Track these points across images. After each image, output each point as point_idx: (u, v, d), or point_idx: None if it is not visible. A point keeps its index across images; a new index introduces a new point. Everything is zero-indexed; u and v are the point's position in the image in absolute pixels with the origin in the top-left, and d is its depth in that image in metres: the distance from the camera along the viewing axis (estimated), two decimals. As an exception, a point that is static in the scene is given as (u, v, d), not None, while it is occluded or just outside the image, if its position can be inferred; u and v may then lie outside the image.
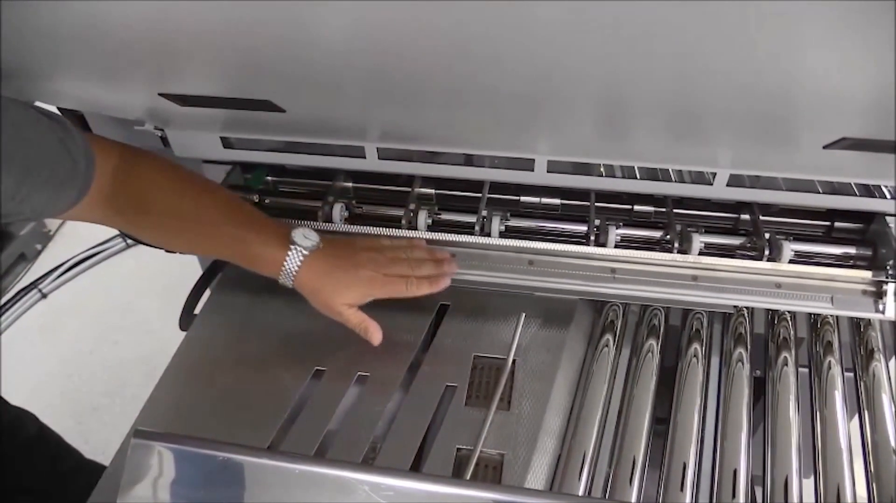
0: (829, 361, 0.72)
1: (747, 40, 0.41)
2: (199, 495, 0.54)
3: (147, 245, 0.75)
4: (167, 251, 0.76)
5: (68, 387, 1.59)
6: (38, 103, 0.82)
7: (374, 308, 0.70)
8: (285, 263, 0.65)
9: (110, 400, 1.57)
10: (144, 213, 0.65)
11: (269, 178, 0.89)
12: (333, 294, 0.67)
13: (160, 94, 0.64)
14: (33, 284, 1.83)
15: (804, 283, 0.72)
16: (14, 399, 0.98)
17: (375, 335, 0.69)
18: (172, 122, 0.77)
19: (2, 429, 0.93)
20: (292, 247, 0.66)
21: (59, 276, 1.85)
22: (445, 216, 0.80)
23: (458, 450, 0.63)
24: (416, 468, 0.62)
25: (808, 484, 0.63)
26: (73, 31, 0.51)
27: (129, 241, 1.86)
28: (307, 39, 0.49)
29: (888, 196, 0.71)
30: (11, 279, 1.91)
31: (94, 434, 1.47)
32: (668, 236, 0.76)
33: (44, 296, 1.84)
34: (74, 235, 1.99)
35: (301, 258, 0.66)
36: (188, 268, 1.02)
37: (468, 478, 0.60)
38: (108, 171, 0.61)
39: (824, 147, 0.58)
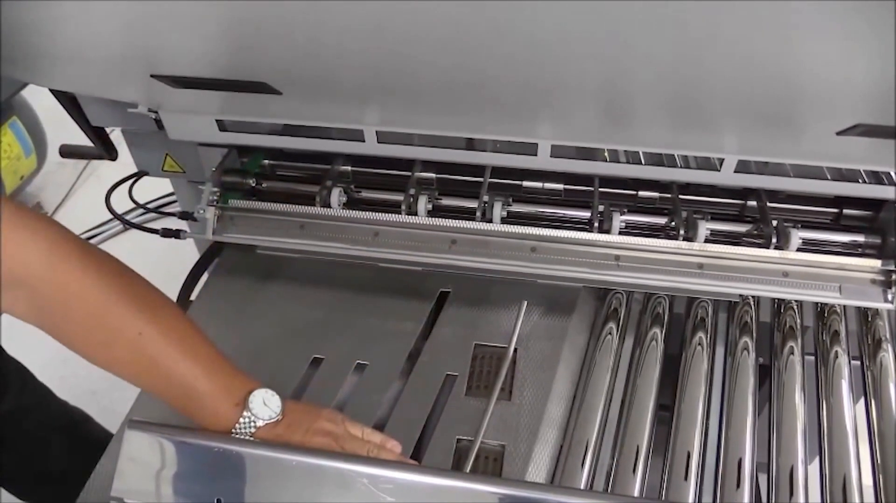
0: (836, 350, 0.71)
1: (762, 26, 0.40)
2: (194, 486, 0.53)
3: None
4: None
5: (66, 372, 1.59)
6: (31, 85, 0.81)
7: (371, 294, 0.69)
8: (235, 430, 0.55)
9: (109, 384, 1.56)
10: (66, 317, 0.53)
11: (266, 161, 0.87)
12: None
13: (152, 76, 0.62)
14: (30, 267, 1.82)
15: (812, 272, 0.71)
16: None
17: None
18: (166, 104, 0.76)
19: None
20: (246, 413, 0.55)
21: (56, 259, 1.84)
22: (446, 201, 0.79)
23: (459, 441, 0.62)
24: (415, 460, 0.61)
25: (814, 472, 0.62)
26: (63, 14, 0.49)
27: (126, 226, 1.84)
28: (304, 20, 0.47)
29: (899, 183, 0.70)
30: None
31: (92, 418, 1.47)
32: (674, 223, 0.74)
33: (41, 279, 1.83)
34: (73, 217, 1.97)
35: (253, 429, 0.55)
36: (185, 253, 1.01)
37: (468, 469, 0.60)
38: (29, 264, 0.51)
39: (837, 133, 0.57)
